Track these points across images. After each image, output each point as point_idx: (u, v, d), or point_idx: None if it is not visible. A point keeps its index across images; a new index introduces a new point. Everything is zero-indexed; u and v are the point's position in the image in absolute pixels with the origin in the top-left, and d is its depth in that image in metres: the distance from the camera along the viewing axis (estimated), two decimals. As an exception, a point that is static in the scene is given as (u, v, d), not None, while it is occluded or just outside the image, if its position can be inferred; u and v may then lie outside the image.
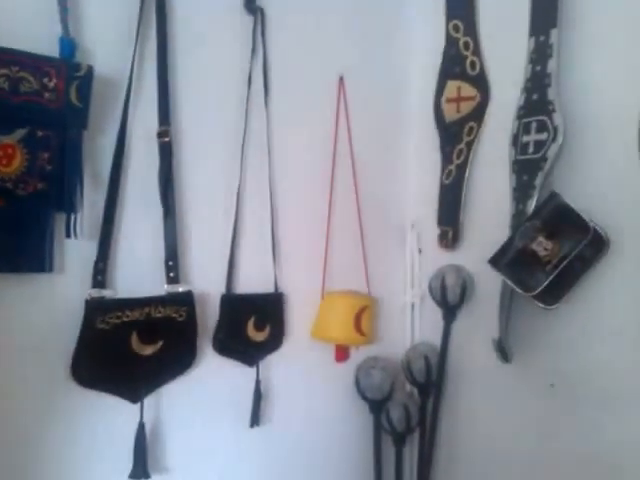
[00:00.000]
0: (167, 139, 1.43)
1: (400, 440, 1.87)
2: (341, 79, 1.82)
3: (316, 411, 1.81)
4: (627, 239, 1.50)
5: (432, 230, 1.93)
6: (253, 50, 1.61)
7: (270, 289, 1.65)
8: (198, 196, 1.52)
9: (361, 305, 1.75)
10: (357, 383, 1.84)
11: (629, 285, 1.49)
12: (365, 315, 1.76)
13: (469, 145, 1.84)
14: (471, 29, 1.86)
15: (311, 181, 1.77)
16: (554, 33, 1.61)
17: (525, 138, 1.65)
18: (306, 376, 1.77)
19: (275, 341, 1.65)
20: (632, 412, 1.49)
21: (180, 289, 1.44)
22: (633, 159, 1.48)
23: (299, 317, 1.72)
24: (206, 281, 1.53)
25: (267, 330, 1.61)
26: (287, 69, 1.69)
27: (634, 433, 1.48)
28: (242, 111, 1.59)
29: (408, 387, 1.96)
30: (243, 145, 1.57)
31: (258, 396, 1.62)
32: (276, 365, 1.68)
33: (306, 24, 1.75)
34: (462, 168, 1.85)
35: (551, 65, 1.61)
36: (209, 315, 1.53)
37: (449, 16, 1.91)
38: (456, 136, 1.87)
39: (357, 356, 1.86)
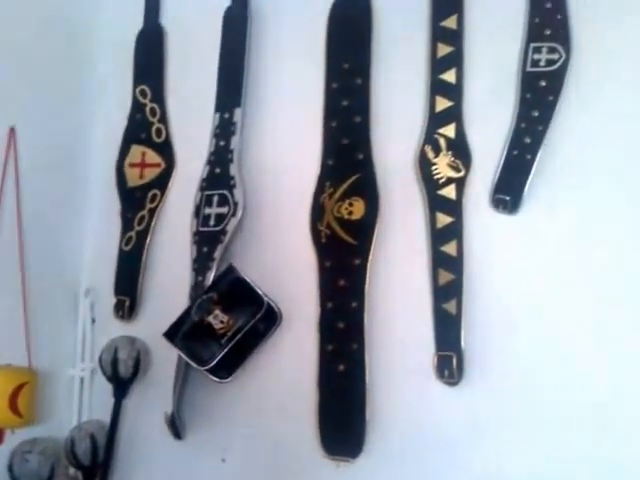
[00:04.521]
0: None
1: (58, 534, 1.66)
2: (12, 130, 1.65)
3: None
4: (297, 313, 1.58)
5: (108, 299, 1.81)
6: None
7: None
8: None
9: (19, 381, 1.56)
10: (10, 470, 1.60)
11: (297, 357, 1.56)
12: (23, 393, 1.57)
13: (152, 212, 1.79)
14: (159, 96, 1.85)
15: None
16: (238, 112, 1.68)
17: (207, 210, 1.66)
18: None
19: None
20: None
21: None
22: (304, 236, 1.58)
23: None
24: None
25: None
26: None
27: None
28: None
29: (72, 471, 1.76)
30: None
31: None
32: None
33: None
34: (143, 235, 1.79)
35: (234, 142, 1.66)
36: None
37: (137, 80, 1.88)
38: (139, 202, 1.81)
39: (14, 439, 1.63)
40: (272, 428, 1.57)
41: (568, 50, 1.44)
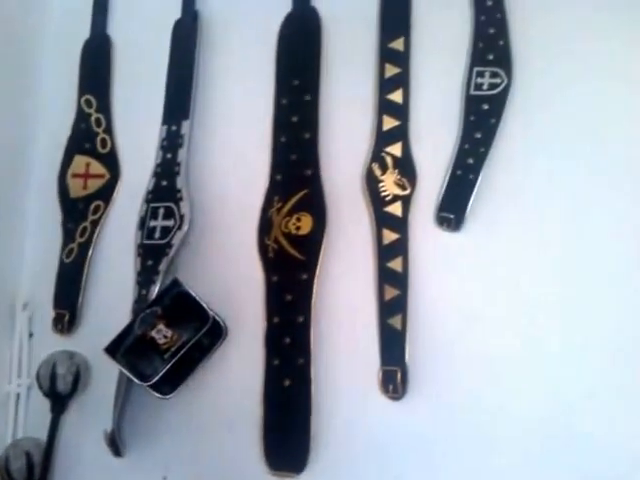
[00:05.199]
0: None
1: None
2: (-51, 136, 1.59)
3: None
4: (244, 328, 1.56)
5: (47, 312, 1.75)
6: None
7: None
8: None
9: (-50, 399, 1.48)
10: (-61, 492, 1.53)
11: (242, 372, 1.54)
12: (-45, 410, 1.49)
13: (95, 224, 1.75)
14: (104, 106, 1.81)
15: None
16: (185, 124, 1.66)
17: (152, 223, 1.64)
18: None
19: None
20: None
21: None
22: (251, 251, 1.57)
23: None
24: None
25: None
26: None
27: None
28: None
29: (5, 491, 1.70)
30: None
31: None
32: None
33: None
34: (85, 247, 1.74)
35: (181, 154, 1.65)
36: None
37: (82, 89, 1.85)
38: (81, 213, 1.77)
39: (-59, 460, 1.55)
40: (215, 444, 1.54)
41: (510, 75, 1.49)
